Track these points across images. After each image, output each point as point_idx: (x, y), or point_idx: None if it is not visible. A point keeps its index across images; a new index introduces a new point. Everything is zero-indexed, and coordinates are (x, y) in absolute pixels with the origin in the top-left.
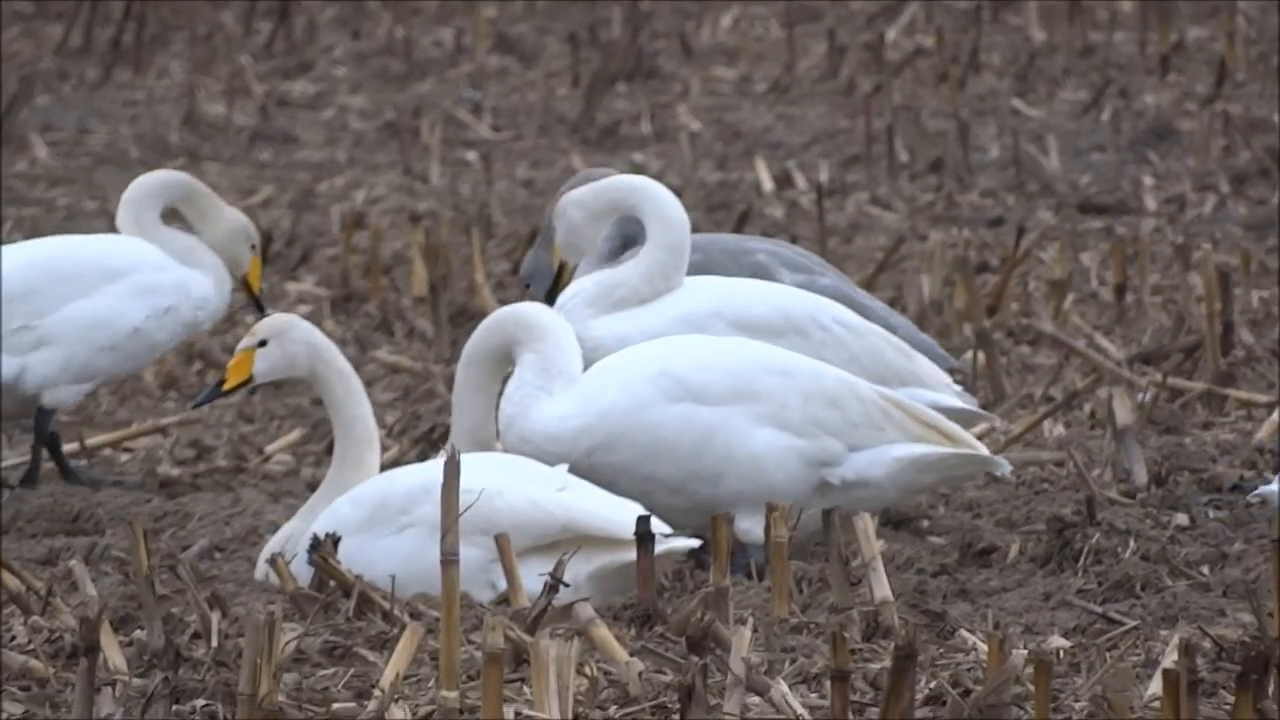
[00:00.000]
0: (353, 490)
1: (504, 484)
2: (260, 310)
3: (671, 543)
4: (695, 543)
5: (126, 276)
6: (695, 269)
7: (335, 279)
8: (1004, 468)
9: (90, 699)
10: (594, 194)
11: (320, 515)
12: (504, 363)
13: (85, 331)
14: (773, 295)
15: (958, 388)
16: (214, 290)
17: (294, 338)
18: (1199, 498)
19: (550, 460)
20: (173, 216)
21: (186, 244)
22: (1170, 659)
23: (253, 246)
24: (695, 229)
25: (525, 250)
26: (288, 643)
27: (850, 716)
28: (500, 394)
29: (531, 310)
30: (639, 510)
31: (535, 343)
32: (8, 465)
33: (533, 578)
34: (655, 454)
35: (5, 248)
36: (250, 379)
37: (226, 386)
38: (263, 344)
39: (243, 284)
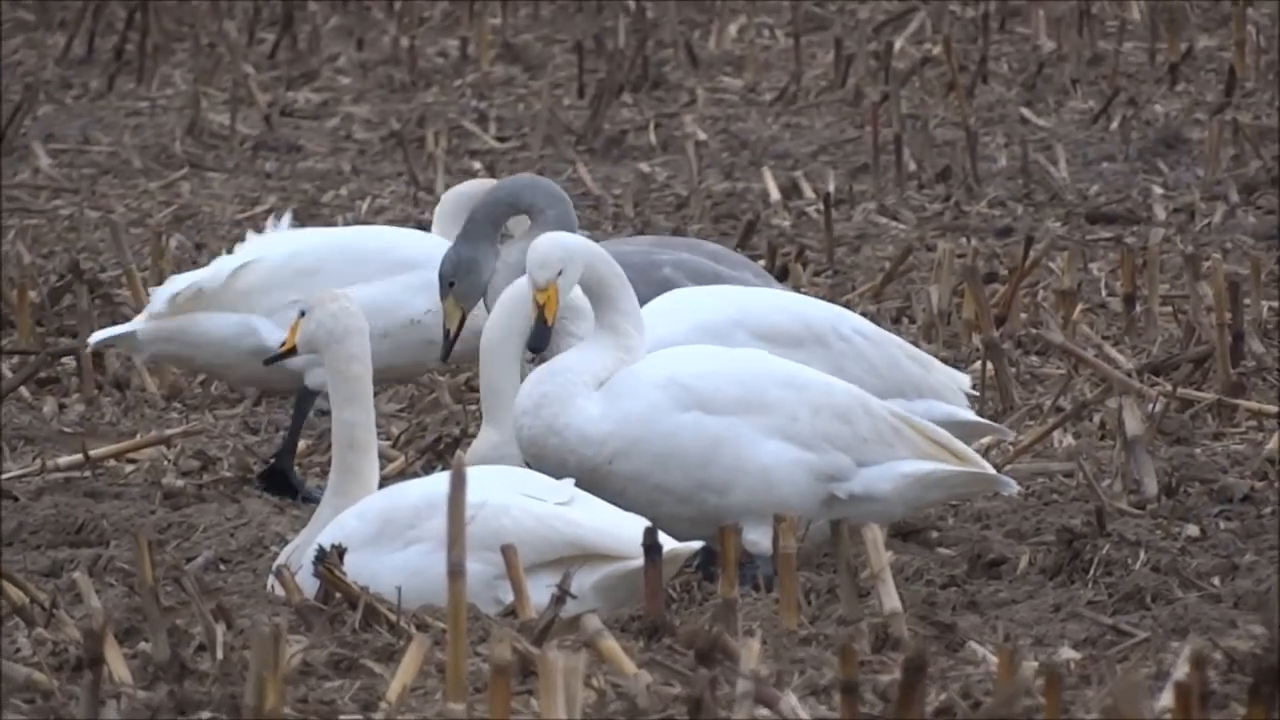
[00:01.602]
0: (359, 504)
1: (510, 499)
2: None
3: (676, 547)
4: (699, 545)
5: (414, 270)
6: None
7: None
8: (1010, 487)
9: (95, 712)
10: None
11: (326, 529)
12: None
13: None
14: (793, 305)
15: (974, 393)
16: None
17: (318, 316)
18: (1209, 509)
19: (571, 461)
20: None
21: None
22: (1181, 671)
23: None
24: (703, 239)
25: None
26: (293, 655)
27: None
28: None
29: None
30: (645, 526)
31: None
32: (10, 476)
33: (538, 591)
34: (666, 462)
35: (307, 230)
36: (294, 349)
37: (282, 350)
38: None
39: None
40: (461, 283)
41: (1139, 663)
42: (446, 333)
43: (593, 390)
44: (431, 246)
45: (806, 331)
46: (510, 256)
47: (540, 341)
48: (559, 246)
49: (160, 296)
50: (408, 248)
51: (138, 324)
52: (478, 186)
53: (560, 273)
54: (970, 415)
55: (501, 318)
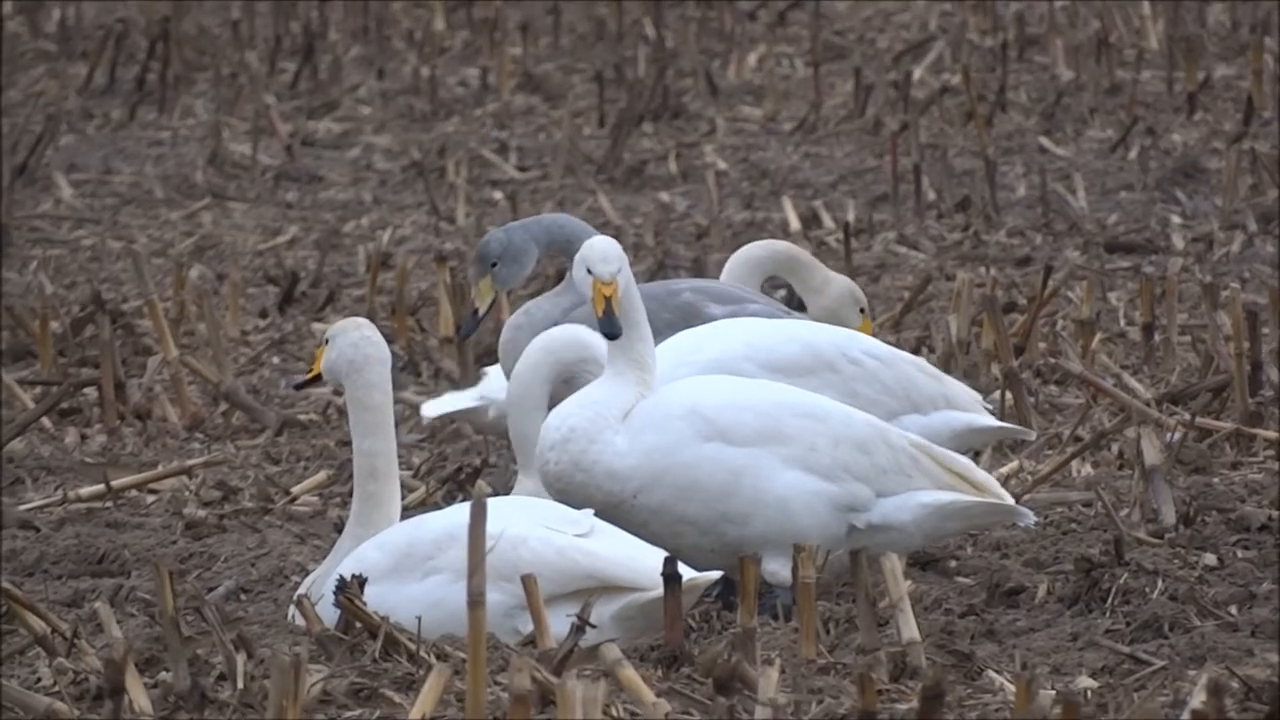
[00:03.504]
0: (379, 536)
1: (530, 530)
2: None
3: (695, 576)
4: (718, 574)
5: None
6: None
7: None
8: (1028, 519)
9: None
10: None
11: (346, 560)
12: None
13: None
14: (800, 333)
15: (990, 406)
16: None
17: (340, 344)
18: (1227, 538)
19: (598, 497)
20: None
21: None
22: (1198, 699)
23: (861, 310)
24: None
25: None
26: (314, 684)
27: None
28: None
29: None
30: (664, 557)
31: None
32: (32, 507)
33: (557, 621)
34: (688, 494)
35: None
36: (319, 376)
37: (309, 376)
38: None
39: None
40: (505, 266)
41: (1156, 691)
42: (475, 311)
43: (619, 423)
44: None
45: (815, 359)
46: (538, 311)
47: (615, 328)
48: (616, 246)
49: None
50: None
51: (483, 398)
52: (768, 249)
53: (619, 270)
54: (990, 421)
55: (527, 369)
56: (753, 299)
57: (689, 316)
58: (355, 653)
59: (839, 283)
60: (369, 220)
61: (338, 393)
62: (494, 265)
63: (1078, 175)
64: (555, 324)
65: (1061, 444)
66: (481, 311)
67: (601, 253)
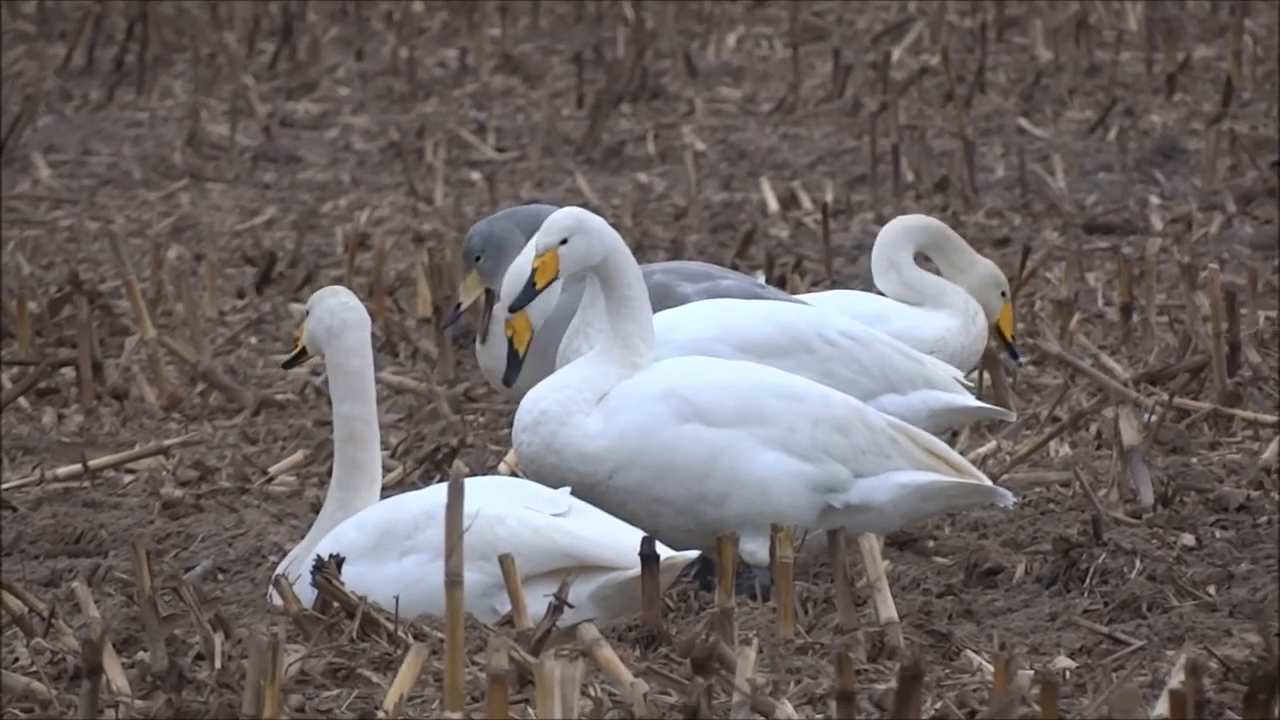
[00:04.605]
0: (358, 515)
1: (507, 509)
2: (1014, 357)
3: (672, 556)
4: (695, 554)
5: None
6: None
7: None
8: (1007, 500)
9: None
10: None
11: (324, 540)
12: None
13: None
14: (776, 314)
15: (970, 383)
16: (957, 331)
17: (318, 311)
18: (1205, 518)
19: (571, 478)
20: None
21: (938, 286)
22: (1177, 679)
23: (1003, 294)
24: (700, 250)
25: None
26: (291, 664)
27: None
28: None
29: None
30: (642, 537)
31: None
32: (9, 486)
33: (534, 601)
34: (665, 475)
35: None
36: (305, 350)
37: (295, 353)
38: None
39: (995, 332)
40: (489, 259)
41: (1134, 671)
42: (457, 305)
43: (592, 406)
44: (880, 309)
45: (791, 340)
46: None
47: (518, 301)
48: (570, 216)
49: None
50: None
51: None
52: (921, 223)
53: (564, 241)
54: (970, 400)
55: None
56: (724, 275)
57: (662, 297)
58: (333, 633)
59: (983, 266)
60: (347, 201)
61: (315, 373)
62: (478, 260)
63: (1056, 156)
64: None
65: (1039, 424)
66: (464, 306)
67: (549, 223)
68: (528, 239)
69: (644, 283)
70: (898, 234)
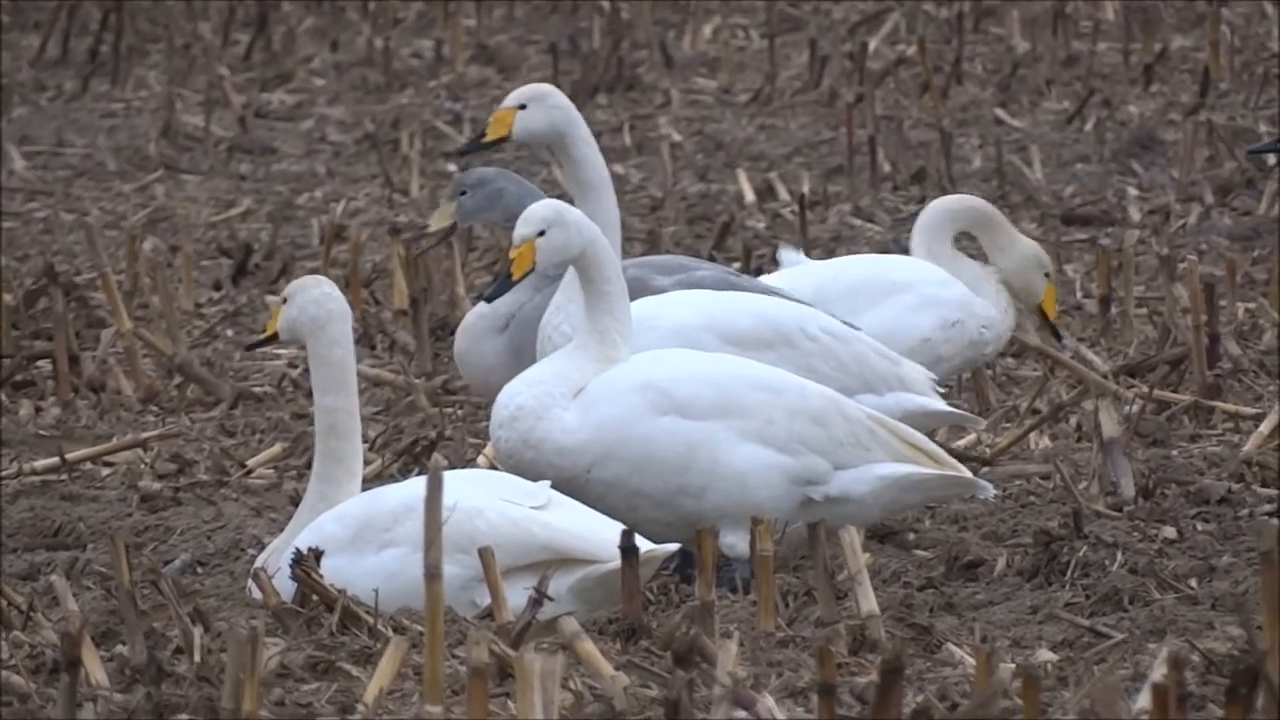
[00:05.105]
0: (337, 508)
1: (486, 502)
2: (1057, 338)
3: (652, 549)
4: (675, 547)
5: (910, 289)
6: None
7: None
8: (987, 491)
9: (72, 715)
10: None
11: (304, 533)
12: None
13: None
14: (759, 307)
15: (944, 389)
16: (998, 315)
17: (301, 301)
18: (1186, 510)
19: (549, 473)
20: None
21: (976, 273)
22: (1159, 672)
23: (1046, 275)
24: (677, 241)
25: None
26: (271, 658)
27: None
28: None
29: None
30: (621, 530)
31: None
32: None
33: (513, 594)
34: (643, 468)
35: (799, 267)
36: (275, 335)
37: (264, 336)
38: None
39: (1038, 313)
40: (471, 199)
41: (1116, 664)
42: (424, 228)
43: (568, 400)
44: (911, 266)
45: (774, 333)
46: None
47: (494, 293)
48: (549, 208)
49: None
50: (898, 269)
51: None
52: (963, 203)
53: (542, 233)
54: (942, 405)
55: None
56: (699, 266)
57: (637, 291)
58: (312, 626)
59: (1026, 245)
60: (322, 192)
61: (293, 365)
62: (463, 194)
63: (1034, 147)
64: (507, 315)
65: (1019, 417)
66: (432, 228)
67: (527, 214)
68: (513, 208)
69: (623, 277)
70: (938, 217)
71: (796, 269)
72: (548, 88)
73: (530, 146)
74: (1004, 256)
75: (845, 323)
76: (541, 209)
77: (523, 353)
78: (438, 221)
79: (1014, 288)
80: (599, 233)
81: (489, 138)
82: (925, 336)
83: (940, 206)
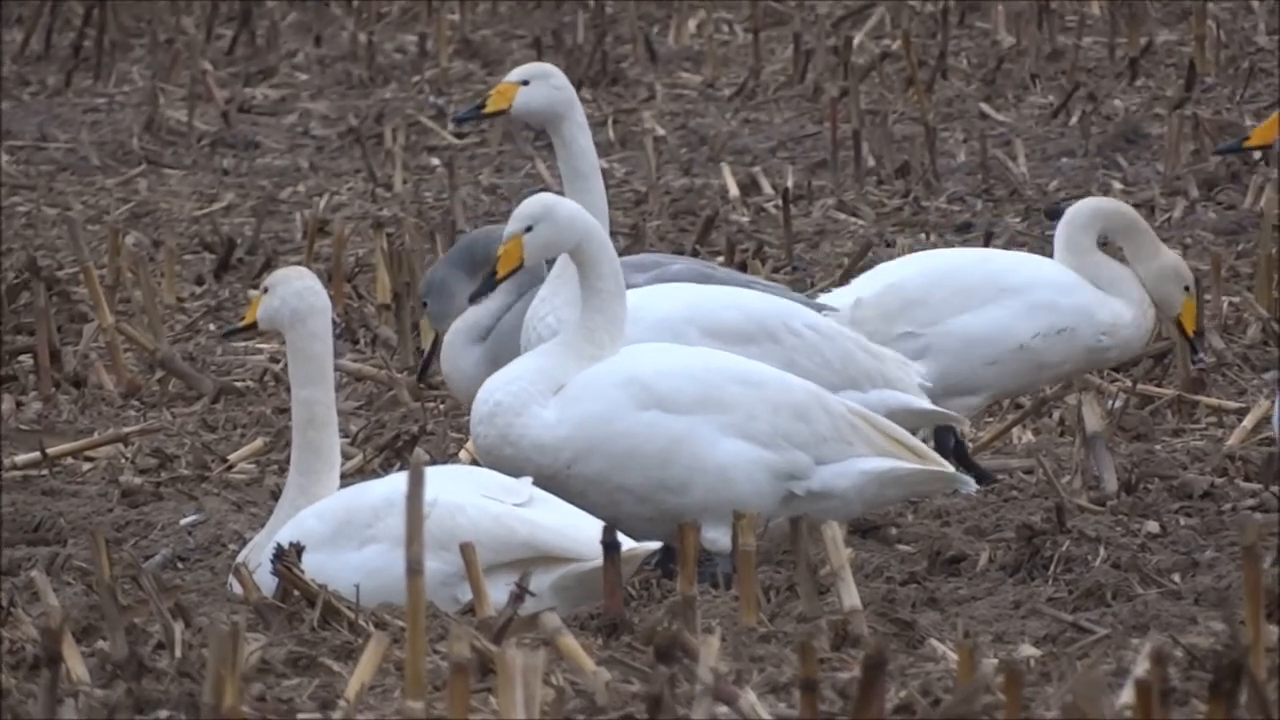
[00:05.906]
0: (318, 504)
1: (468, 498)
2: (1194, 352)
3: (634, 546)
4: (657, 544)
5: (1022, 294)
6: None
7: None
8: (969, 486)
9: (52, 711)
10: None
11: (285, 528)
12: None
13: (967, 345)
14: (744, 301)
15: (929, 385)
16: (1130, 321)
17: (282, 292)
18: (1169, 505)
19: (529, 469)
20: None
21: (1117, 273)
22: (1142, 668)
23: (1186, 289)
24: (661, 236)
25: None
26: (252, 653)
27: None
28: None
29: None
30: (602, 527)
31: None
32: None
33: (496, 590)
34: (625, 463)
35: (908, 256)
36: (255, 324)
37: (242, 324)
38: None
39: (1176, 326)
40: (434, 303)
41: (1099, 659)
42: (420, 351)
43: (548, 396)
44: (1035, 268)
45: (758, 328)
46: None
47: (479, 291)
48: (539, 203)
49: None
50: (1016, 272)
51: None
52: (1113, 206)
53: (529, 229)
54: (926, 404)
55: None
56: (672, 261)
57: None
58: (294, 621)
59: (1168, 257)
60: (306, 187)
61: (275, 360)
62: (425, 306)
63: (1018, 141)
64: (486, 327)
65: (1002, 411)
66: (425, 350)
67: (518, 210)
68: (467, 272)
69: (621, 275)
70: (1086, 215)
71: (904, 259)
72: (552, 68)
73: (528, 125)
74: (1144, 266)
75: (825, 309)
76: (532, 204)
77: (500, 364)
78: (425, 338)
79: (1152, 299)
80: (597, 228)
81: (489, 109)
82: (1021, 343)
83: (1088, 206)
